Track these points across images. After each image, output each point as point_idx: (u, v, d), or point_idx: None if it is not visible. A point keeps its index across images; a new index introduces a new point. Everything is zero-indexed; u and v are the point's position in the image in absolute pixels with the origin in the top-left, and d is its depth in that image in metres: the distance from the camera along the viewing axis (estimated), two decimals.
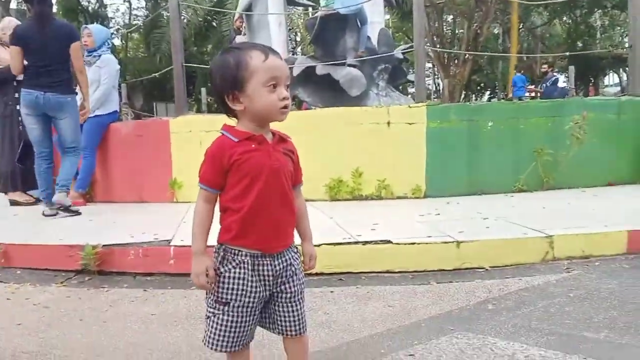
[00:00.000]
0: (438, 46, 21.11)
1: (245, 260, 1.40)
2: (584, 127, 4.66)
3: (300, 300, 1.48)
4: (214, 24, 12.87)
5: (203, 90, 12.64)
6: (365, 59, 6.77)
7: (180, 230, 3.54)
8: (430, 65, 25.77)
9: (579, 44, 25.73)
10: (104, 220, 4.29)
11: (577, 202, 4.23)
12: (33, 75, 4.33)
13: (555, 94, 12.40)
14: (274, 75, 1.35)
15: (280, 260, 1.43)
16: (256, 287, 1.41)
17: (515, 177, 4.87)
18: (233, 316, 1.41)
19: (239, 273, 1.39)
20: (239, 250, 1.40)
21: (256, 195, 1.37)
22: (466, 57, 19.68)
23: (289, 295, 1.45)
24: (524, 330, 2.10)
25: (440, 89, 26.61)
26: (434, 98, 29.46)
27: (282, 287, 1.44)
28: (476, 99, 39.47)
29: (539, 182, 4.89)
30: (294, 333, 1.47)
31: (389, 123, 4.74)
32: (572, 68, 11.02)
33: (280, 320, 1.46)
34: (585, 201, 4.31)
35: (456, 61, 21.41)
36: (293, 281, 1.46)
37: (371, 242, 3.06)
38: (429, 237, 3.11)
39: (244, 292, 1.40)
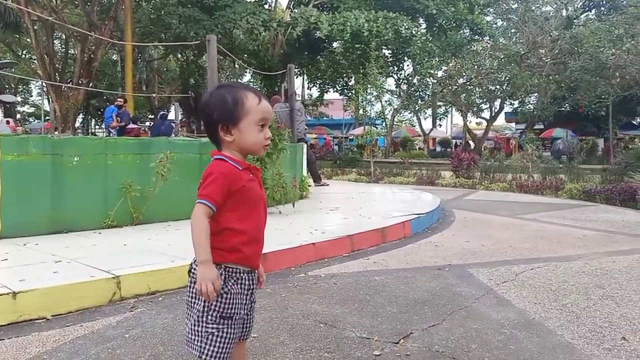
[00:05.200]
0: (49, 65, 19.53)
1: (243, 276, 1.60)
2: (168, 165, 5.01)
3: None
4: None
5: None
6: None
7: None
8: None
9: (192, 80, 28.06)
10: None
11: (158, 237, 4.46)
12: None
13: (163, 128, 13.11)
14: (264, 117, 1.57)
15: (255, 275, 1.67)
16: (247, 299, 1.64)
17: (104, 213, 4.84)
18: (234, 328, 1.59)
19: (239, 288, 1.59)
20: (237, 268, 1.58)
21: (256, 219, 1.61)
22: (80, 80, 18.81)
23: (254, 304, 1.71)
24: None
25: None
26: (48, 120, 27.05)
27: (252, 297, 1.68)
28: (97, 124, 38.31)
29: (129, 217, 4.99)
30: (247, 337, 1.72)
31: None
32: (177, 104, 11.86)
33: (246, 327, 1.69)
34: (166, 235, 4.59)
35: (70, 83, 20.25)
36: (255, 292, 1.70)
37: None
38: None
39: (241, 305, 1.60)
